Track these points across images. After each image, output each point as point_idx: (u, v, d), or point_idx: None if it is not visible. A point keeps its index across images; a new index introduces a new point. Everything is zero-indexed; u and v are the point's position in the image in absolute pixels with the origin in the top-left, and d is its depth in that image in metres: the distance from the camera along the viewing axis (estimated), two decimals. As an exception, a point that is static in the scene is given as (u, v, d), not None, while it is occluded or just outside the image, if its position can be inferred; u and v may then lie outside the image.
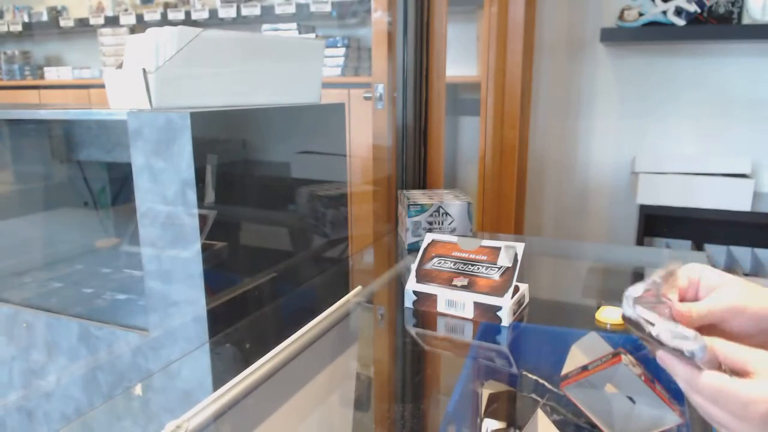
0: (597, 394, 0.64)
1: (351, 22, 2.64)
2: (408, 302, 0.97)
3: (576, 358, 0.74)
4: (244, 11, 2.69)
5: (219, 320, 0.89)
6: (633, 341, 0.83)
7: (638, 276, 1.23)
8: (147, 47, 0.87)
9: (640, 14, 1.91)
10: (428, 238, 1.03)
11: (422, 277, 0.97)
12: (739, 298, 0.49)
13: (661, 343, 0.46)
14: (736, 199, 1.82)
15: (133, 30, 3.06)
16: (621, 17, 1.95)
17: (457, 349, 0.89)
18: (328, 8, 2.54)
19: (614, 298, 1.05)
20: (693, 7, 1.85)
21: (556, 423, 0.62)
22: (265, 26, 2.64)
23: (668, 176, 1.91)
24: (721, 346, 0.45)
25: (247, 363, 0.75)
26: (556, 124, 2.24)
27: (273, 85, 1.07)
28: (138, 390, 0.87)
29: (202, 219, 0.85)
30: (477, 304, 0.91)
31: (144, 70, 0.86)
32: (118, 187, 1.52)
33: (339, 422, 0.72)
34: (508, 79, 1.89)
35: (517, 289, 0.93)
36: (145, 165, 0.86)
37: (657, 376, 0.61)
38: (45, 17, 3.30)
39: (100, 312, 1.04)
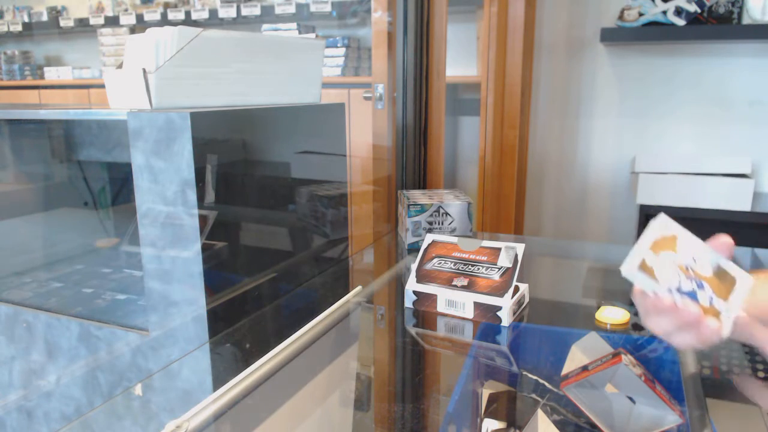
0: (597, 394, 0.64)
1: (351, 22, 2.64)
2: (408, 302, 0.97)
3: (576, 358, 0.74)
4: (244, 11, 2.69)
5: (219, 320, 0.89)
6: (633, 341, 0.83)
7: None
8: (147, 47, 0.87)
9: (640, 14, 1.91)
10: (428, 238, 1.03)
11: (422, 277, 0.97)
12: None
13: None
14: (736, 199, 1.82)
15: (133, 30, 3.07)
16: (621, 17, 1.95)
17: (457, 349, 0.89)
18: (328, 8, 2.54)
19: (614, 298, 1.05)
20: (693, 7, 1.85)
21: (556, 423, 0.62)
22: (265, 26, 2.64)
23: (668, 176, 1.91)
24: None
25: (247, 363, 0.75)
26: (556, 124, 2.24)
27: (273, 85, 1.07)
28: (138, 390, 0.87)
29: (202, 219, 0.85)
30: (477, 304, 0.91)
31: (144, 70, 0.86)
32: (118, 187, 1.52)
33: (339, 422, 0.72)
34: (508, 79, 1.90)
35: (517, 289, 0.93)
36: (145, 165, 0.86)
37: (657, 376, 0.61)
38: (45, 17, 3.30)
39: (100, 312, 1.04)
